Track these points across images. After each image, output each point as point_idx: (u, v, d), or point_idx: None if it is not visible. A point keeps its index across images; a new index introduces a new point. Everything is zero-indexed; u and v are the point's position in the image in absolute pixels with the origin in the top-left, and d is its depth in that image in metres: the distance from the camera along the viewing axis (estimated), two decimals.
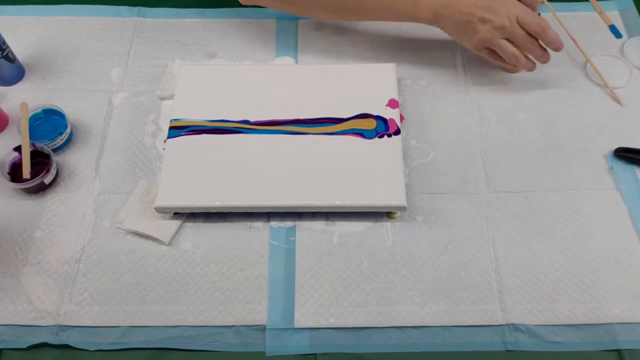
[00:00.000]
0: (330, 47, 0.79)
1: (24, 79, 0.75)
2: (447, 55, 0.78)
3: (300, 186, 0.62)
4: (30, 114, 0.68)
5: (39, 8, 0.83)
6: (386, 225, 0.64)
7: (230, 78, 0.71)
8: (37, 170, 0.64)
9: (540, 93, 0.74)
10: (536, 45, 0.68)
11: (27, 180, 0.63)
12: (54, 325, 0.58)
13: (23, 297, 0.60)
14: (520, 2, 0.67)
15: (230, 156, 0.65)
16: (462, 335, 0.58)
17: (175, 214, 0.64)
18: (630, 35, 0.80)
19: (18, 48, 0.76)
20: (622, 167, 0.68)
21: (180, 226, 0.64)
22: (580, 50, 0.76)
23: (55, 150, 0.68)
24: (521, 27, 0.66)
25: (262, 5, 0.74)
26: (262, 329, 0.58)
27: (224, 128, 0.67)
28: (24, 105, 0.65)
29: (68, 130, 0.68)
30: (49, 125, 0.69)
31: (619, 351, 0.57)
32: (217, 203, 0.62)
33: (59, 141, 0.68)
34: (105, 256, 0.62)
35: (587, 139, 0.70)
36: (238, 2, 0.74)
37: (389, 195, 0.62)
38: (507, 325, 0.58)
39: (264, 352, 0.57)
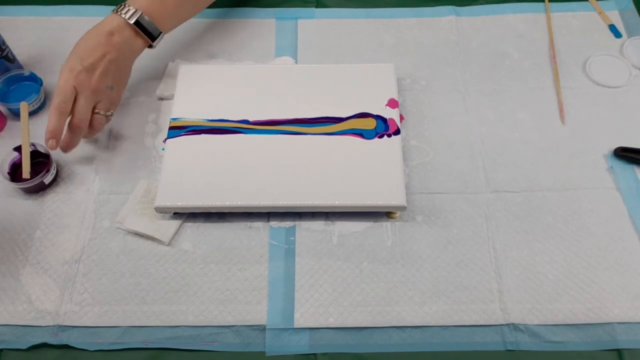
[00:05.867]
0: (330, 47, 0.79)
1: None
2: (447, 55, 0.78)
3: (300, 186, 0.62)
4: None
5: (38, 8, 0.83)
6: (386, 225, 0.64)
7: (230, 78, 0.71)
8: (37, 170, 0.64)
9: (540, 93, 0.74)
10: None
11: (26, 180, 0.63)
12: (54, 326, 0.58)
13: (23, 297, 0.60)
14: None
15: (230, 156, 0.65)
16: (462, 335, 0.58)
17: (175, 214, 0.64)
18: (629, 35, 0.80)
19: (18, 48, 0.76)
20: (622, 167, 0.68)
21: (180, 226, 0.64)
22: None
23: (32, 113, 0.69)
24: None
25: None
26: (262, 329, 0.58)
27: (224, 128, 0.67)
28: (24, 105, 0.65)
29: (42, 95, 0.71)
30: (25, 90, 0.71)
31: (619, 351, 0.57)
32: (217, 203, 0.62)
33: (37, 103, 0.70)
34: (105, 256, 0.62)
35: (586, 139, 0.70)
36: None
37: (389, 195, 0.62)
38: (507, 325, 0.58)
39: (263, 352, 0.57)
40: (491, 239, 0.63)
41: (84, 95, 0.62)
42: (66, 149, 0.64)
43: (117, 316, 0.59)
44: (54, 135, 0.61)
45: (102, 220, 0.64)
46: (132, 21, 0.64)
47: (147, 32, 0.66)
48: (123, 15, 0.64)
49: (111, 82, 0.65)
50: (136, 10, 0.65)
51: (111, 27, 0.64)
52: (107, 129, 0.71)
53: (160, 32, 0.68)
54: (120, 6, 0.65)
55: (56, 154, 0.67)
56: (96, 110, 0.65)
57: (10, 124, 0.71)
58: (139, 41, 0.66)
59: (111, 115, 0.67)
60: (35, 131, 0.68)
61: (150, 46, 0.68)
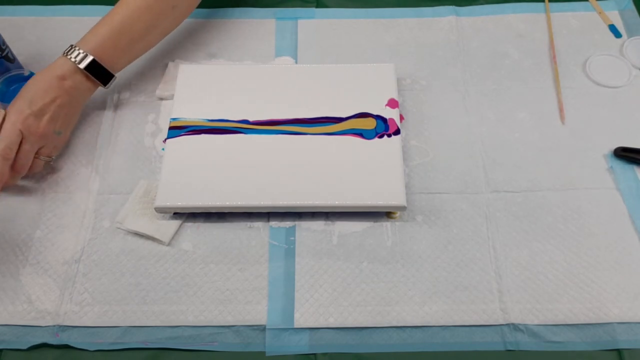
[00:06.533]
0: (330, 47, 0.79)
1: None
2: (447, 55, 0.78)
3: (300, 186, 0.62)
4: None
5: (38, 8, 0.83)
6: (386, 225, 0.64)
7: (229, 78, 0.71)
8: None
9: (540, 93, 0.74)
10: None
11: None
12: (54, 326, 0.58)
13: (23, 298, 0.60)
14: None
15: (230, 156, 0.65)
16: (462, 335, 0.58)
17: (175, 214, 0.64)
18: (629, 35, 0.80)
19: (18, 48, 0.76)
20: (622, 167, 0.68)
21: (180, 226, 0.64)
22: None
23: None
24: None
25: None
26: (262, 329, 0.58)
27: (224, 128, 0.67)
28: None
29: None
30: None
31: (619, 351, 0.57)
32: (217, 203, 0.62)
33: None
34: (105, 256, 0.62)
35: (586, 139, 0.70)
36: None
37: (389, 195, 0.62)
38: (507, 325, 0.58)
39: (263, 352, 0.57)
40: (491, 239, 0.63)
41: (30, 141, 0.61)
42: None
43: (117, 316, 0.59)
44: None
45: (102, 220, 0.64)
46: (82, 66, 0.63)
47: (99, 76, 0.65)
48: (73, 59, 0.63)
49: (59, 127, 0.63)
50: (87, 55, 0.63)
51: (62, 71, 0.63)
52: (106, 129, 0.71)
53: (113, 76, 0.67)
54: (70, 49, 0.64)
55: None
56: (37, 155, 0.63)
57: None
58: (90, 85, 0.65)
59: (51, 161, 0.66)
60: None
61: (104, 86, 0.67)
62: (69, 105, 0.64)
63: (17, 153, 0.60)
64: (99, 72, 0.65)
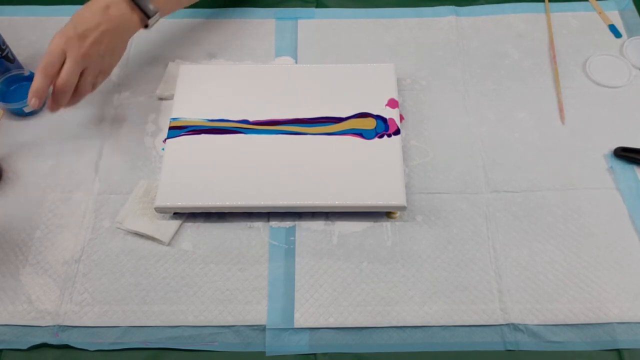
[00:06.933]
0: (330, 47, 0.79)
1: None
2: (447, 55, 0.78)
3: (300, 186, 0.62)
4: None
5: (38, 8, 0.83)
6: (386, 225, 0.64)
7: (229, 78, 0.71)
8: None
9: (540, 93, 0.74)
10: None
11: None
12: (54, 326, 0.58)
13: (23, 298, 0.60)
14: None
15: (230, 156, 0.65)
16: (462, 335, 0.58)
17: (175, 214, 0.64)
18: (629, 35, 0.80)
19: (18, 48, 0.76)
20: (622, 167, 0.68)
21: (180, 226, 0.64)
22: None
23: (30, 114, 0.69)
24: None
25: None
26: (262, 329, 0.58)
27: (224, 128, 0.67)
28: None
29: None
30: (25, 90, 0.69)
31: (618, 351, 0.57)
32: (217, 203, 0.62)
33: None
34: (105, 256, 0.62)
35: (586, 139, 0.70)
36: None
37: (389, 195, 0.62)
38: (507, 325, 0.58)
39: (264, 352, 0.57)
40: (491, 239, 0.63)
41: (73, 59, 0.61)
42: (51, 109, 0.63)
43: (117, 316, 0.59)
44: (36, 95, 0.61)
45: (102, 220, 0.64)
46: None
47: (143, 9, 0.66)
48: None
49: (103, 50, 0.64)
50: None
51: (108, 0, 0.64)
52: (107, 129, 0.71)
53: (157, 11, 0.67)
54: None
55: (56, 154, 0.67)
56: (83, 77, 0.63)
57: (8, 123, 0.71)
58: (134, 17, 0.66)
59: (98, 84, 0.66)
60: (34, 131, 0.69)
61: (146, 26, 0.67)
62: (112, 34, 0.64)
63: (61, 71, 0.61)
64: (143, 3, 0.65)
